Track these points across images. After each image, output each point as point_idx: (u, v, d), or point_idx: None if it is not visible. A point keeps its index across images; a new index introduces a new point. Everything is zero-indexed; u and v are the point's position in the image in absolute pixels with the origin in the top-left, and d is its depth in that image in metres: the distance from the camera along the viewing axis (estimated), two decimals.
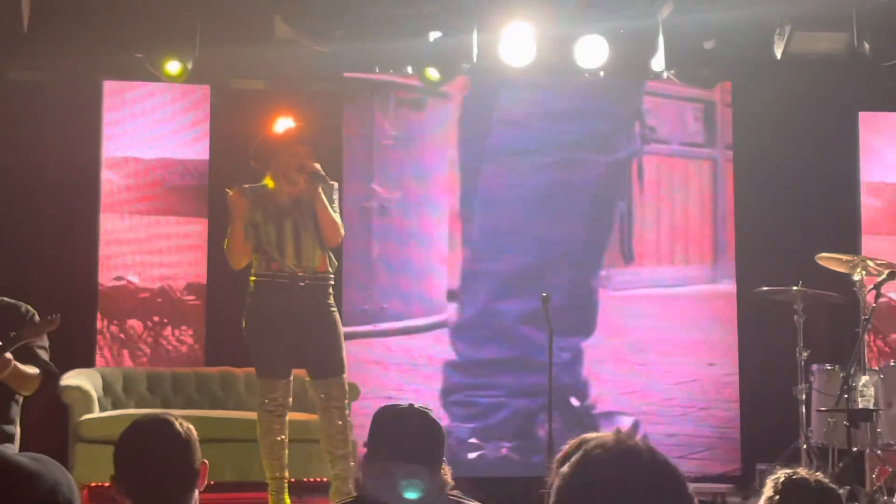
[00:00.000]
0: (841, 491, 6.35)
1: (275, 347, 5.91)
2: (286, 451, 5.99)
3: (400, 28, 7.10)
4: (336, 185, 6.16)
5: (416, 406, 3.02)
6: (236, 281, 7.72)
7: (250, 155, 6.18)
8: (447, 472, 2.96)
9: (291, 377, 6.01)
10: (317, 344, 5.95)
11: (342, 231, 6.05)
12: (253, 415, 6.83)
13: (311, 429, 6.58)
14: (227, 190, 5.95)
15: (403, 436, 2.93)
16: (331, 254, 6.03)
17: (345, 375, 6.01)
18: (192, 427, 2.85)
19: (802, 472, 2.87)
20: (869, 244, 8.25)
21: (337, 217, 5.98)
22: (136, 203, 7.93)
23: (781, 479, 2.82)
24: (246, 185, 6.05)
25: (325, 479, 6.76)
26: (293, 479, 6.30)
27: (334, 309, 6.05)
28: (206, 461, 2.85)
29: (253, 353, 6.00)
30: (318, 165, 5.94)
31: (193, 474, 2.80)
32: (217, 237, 7.86)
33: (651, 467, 1.91)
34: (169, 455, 2.77)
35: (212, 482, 6.60)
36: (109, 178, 7.91)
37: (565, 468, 1.91)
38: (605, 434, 1.95)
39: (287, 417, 6.01)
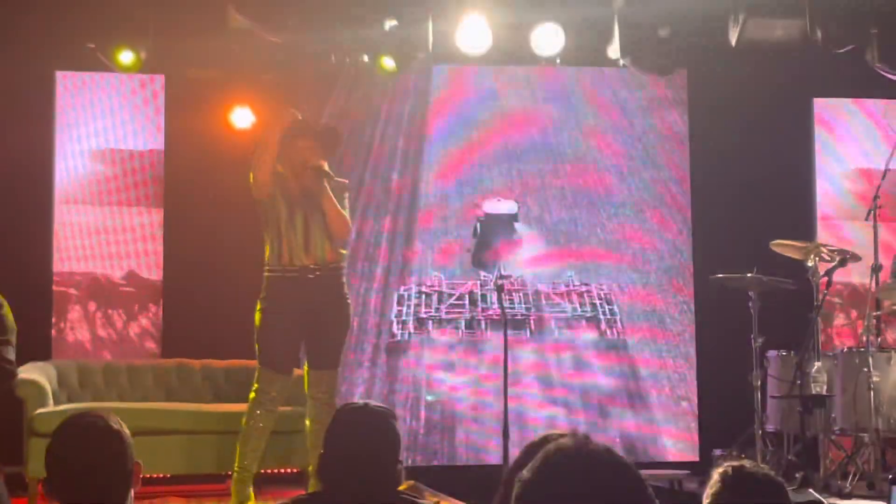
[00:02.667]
0: (796, 475, 6.43)
1: (282, 341, 5.89)
2: (263, 446, 5.96)
3: (355, 17, 7.05)
4: (347, 182, 6.13)
5: (372, 405, 3.03)
6: (192, 272, 7.72)
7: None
8: (401, 472, 2.97)
9: (292, 375, 6.00)
10: (321, 336, 5.95)
11: (351, 226, 6.04)
12: (209, 407, 6.82)
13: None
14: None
15: (358, 435, 2.93)
16: (340, 245, 6.02)
17: (337, 370, 6.03)
18: (124, 425, 2.68)
19: (748, 464, 2.87)
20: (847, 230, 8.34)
21: (345, 212, 5.95)
22: (91, 194, 7.86)
23: (728, 472, 2.82)
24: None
25: (285, 471, 6.75)
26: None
27: (348, 300, 6.03)
28: (139, 462, 2.69)
29: (260, 345, 5.95)
30: (323, 162, 5.90)
31: (126, 475, 2.64)
32: (173, 227, 7.82)
33: (612, 470, 1.91)
34: (101, 455, 2.61)
35: (168, 475, 6.62)
36: (64, 169, 7.84)
37: (525, 473, 1.90)
38: (563, 438, 1.95)
39: (276, 413, 5.98)
